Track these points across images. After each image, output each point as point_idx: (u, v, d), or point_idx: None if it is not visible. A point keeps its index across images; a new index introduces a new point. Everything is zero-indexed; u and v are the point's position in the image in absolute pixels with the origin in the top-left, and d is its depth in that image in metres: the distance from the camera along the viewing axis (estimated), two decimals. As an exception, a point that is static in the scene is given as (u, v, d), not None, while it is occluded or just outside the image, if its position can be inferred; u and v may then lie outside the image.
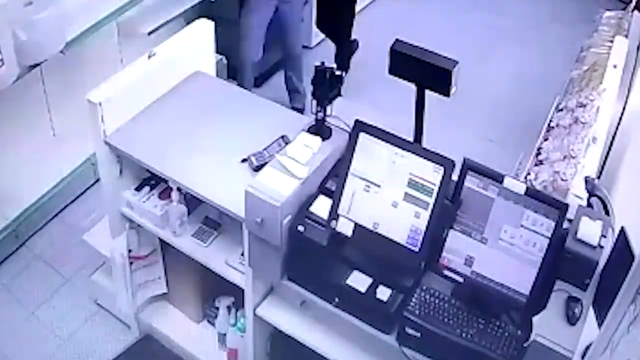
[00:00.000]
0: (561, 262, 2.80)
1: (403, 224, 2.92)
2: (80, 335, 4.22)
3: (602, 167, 3.86)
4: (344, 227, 3.01)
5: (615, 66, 4.25)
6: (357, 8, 6.76)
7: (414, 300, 2.94)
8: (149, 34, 4.83)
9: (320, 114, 3.26)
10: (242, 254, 3.39)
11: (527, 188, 2.78)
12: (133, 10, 4.72)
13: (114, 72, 3.67)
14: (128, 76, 3.55)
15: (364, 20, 6.80)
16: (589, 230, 2.82)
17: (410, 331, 2.93)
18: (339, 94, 3.23)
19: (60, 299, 4.40)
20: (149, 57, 3.59)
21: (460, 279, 2.90)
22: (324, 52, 6.26)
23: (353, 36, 6.04)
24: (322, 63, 3.20)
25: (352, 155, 2.98)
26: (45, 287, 4.45)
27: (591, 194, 3.13)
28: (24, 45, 3.92)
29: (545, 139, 3.90)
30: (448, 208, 2.88)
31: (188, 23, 4.02)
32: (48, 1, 3.98)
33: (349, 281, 3.03)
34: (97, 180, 4.51)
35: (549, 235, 2.76)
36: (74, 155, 4.78)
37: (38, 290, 4.43)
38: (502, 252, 2.83)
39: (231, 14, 5.56)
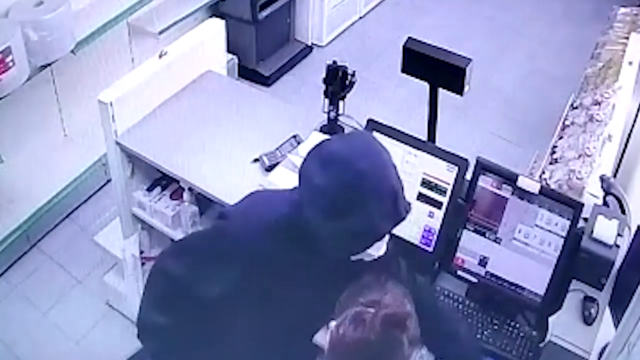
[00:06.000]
0: (577, 261, 2.77)
1: (416, 223, 2.90)
2: (92, 336, 4.21)
3: (618, 166, 3.82)
4: (357, 227, 2.98)
5: (630, 63, 4.20)
6: (368, 7, 6.78)
7: (427, 300, 2.91)
8: (160, 33, 4.82)
9: (333, 113, 3.25)
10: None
11: (542, 187, 2.75)
12: (144, 10, 4.72)
13: (125, 71, 3.66)
14: (139, 76, 3.53)
15: (375, 19, 6.80)
16: (605, 229, 2.78)
17: (424, 332, 2.90)
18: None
19: (72, 300, 4.39)
20: (160, 56, 3.57)
21: (475, 279, 2.88)
22: (336, 50, 6.25)
23: (365, 34, 6.02)
24: (334, 62, 3.18)
25: (364, 155, 2.95)
26: (57, 288, 4.43)
27: (607, 192, 3.10)
28: (34, 45, 3.92)
29: (560, 137, 3.86)
30: (461, 207, 2.86)
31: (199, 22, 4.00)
32: (58, 1, 3.98)
33: (362, 282, 3.00)
34: (109, 181, 4.50)
35: (564, 234, 2.73)
36: (85, 155, 4.77)
37: (49, 292, 4.41)
38: (516, 252, 2.80)
39: (243, 13, 5.55)
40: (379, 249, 2.21)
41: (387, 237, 2.22)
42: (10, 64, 3.77)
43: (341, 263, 2.24)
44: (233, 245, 2.27)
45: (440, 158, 2.84)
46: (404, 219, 2.18)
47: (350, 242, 2.16)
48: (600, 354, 2.66)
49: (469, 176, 2.84)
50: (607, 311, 2.78)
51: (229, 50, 4.31)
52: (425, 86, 3.56)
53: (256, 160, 3.35)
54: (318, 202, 2.11)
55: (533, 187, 2.75)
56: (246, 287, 2.28)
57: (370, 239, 2.16)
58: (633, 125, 4.01)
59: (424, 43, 3.49)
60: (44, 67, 4.14)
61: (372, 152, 2.16)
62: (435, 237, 2.88)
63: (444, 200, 2.85)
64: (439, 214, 2.87)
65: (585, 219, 2.83)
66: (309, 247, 2.20)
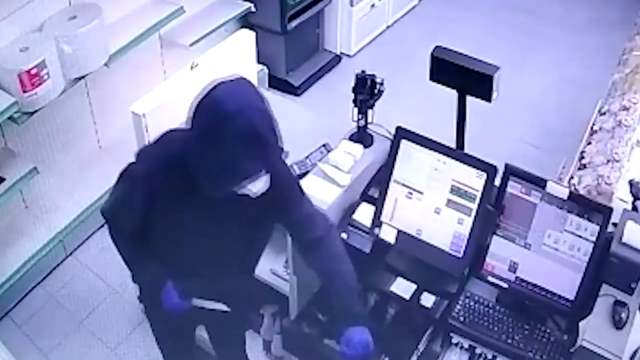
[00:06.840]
0: (606, 266, 2.78)
1: (446, 230, 2.93)
2: (128, 343, 4.26)
3: (647, 171, 3.83)
4: (387, 234, 3.02)
5: (658, 69, 4.22)
6: (396, 16, 6.80)
7: (458, 306, 2.94)
8: (191, 45, 4.87)
9: (362, 122, 3.28)
10: (287, 262, 3.41)
11: (570, 192, 2.77)
12: (175, 22, 4.77)
13: (157, 83, 3.70)
14: (171, 87, 3.58)
15: (402, 28, 6.83)
16: (635, 234, 2.79)
17: (455, 338, 2.93)
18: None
19: (108, 307, 4.45)
20: (192, 68, 3.62)
21: (505, 285, 2.90)
22: (364, 59, 6.29)
23: (393, 43, 6.03)
24: (363, 71, 3.22)
25: (394, 162, 2.99)
26: (93, 296, 4.50)
27: (636, 197, 3.11)
28: (69, 58, 3.98)
29: (589, 143, 3.88)
30: (491, 214, 2.88)
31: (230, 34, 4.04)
32: (92, 15, 4.05)
33: (392, 288, 3.04)
34: (143, 191, 4.55)
35: (594, 239, 2.75)
36: (120, 166, 4.79)
37: (86, 300, 4.48)
38: (546, 257, 2.82)
39: (272, 24, 5.60)
40: (255, 187, 2.41)
41: (264, 176, 2.40)
42: (46, 77, 3.83)
43: (229, 197, 2.46)
44: (138, 181, 2.64)
45: (469, 165, 2.87)
46: (273, 163, 2.39)
47: (218, 179, 2.39)
48: (631, 358, 2.67)
49: (497, 182, 2.87)
50: (638, 315, 2.78)
51: (259, 61, 4.35)
52: (453, 94, 3.59)
53: (287, 169, 3.39)
54: (195, 141, 2.38)
55: (562, 192, 2.77)
56: (160, 219, 2.63)
57: (238, 177, 2.37)
58: (662, 131, 4.01)
59: (452, 51, 3.51)
60: (78, 79, 4.20)
61: (242, 98, 2.36)
62: (464, 243, 2.90)
63: (473, 206, 2.88)
64: (469, 220, 2.89)
65: (615, 224, 2.84)
66: (195, 181, 2.44)
